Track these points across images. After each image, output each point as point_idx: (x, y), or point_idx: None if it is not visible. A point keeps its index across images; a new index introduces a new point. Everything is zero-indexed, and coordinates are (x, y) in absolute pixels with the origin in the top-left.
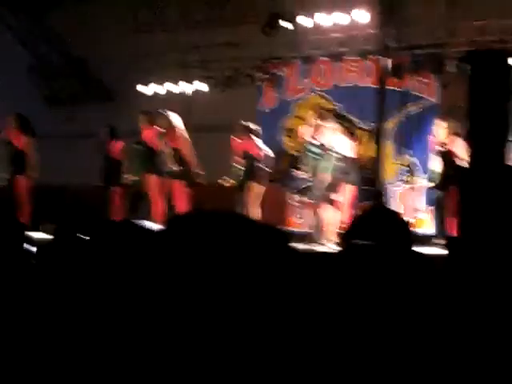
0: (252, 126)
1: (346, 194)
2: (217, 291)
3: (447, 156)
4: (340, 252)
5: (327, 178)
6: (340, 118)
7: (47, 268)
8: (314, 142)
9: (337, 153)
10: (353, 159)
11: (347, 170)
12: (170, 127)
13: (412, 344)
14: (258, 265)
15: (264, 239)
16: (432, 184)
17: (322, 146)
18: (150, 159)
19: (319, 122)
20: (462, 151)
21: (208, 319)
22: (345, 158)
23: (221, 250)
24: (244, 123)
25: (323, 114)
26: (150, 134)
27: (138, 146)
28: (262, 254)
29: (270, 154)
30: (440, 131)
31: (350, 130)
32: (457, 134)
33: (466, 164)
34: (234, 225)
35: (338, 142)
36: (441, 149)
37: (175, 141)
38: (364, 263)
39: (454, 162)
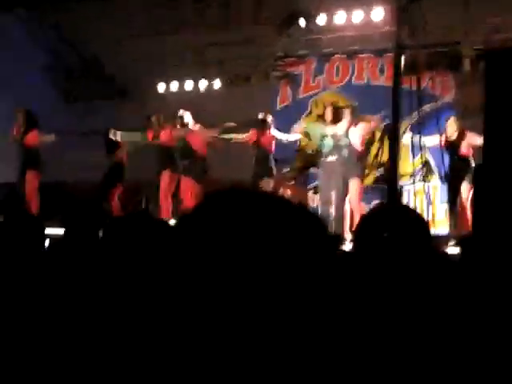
0: (267, 118)
1: (353, 189)
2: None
3: (453, 149)
4: (356, 249)
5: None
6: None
7: (59, 262)
8: (328, 132)
9: (348, 145)
10: (361, 154)
11: (354, 164)
12: (184, 125)
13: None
14: (296, 253)
15: (303, 223)
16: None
17: (334, 137)
18: (164, 157)
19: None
20: (467, 145)
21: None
22: (355, 151)
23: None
24: (260, 117)
25: (340, 108)
26: (165, 134)
27: (153, 144)
28: (303, 241)
29: (291, 138)
30: (449, 127)
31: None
32: (465, 129)
33: (471, 158)
34: (269, 206)
35: (351, 133)
36: (448, 141)
37: (188, 137)
38: (381, 258)
39: (459, 154)
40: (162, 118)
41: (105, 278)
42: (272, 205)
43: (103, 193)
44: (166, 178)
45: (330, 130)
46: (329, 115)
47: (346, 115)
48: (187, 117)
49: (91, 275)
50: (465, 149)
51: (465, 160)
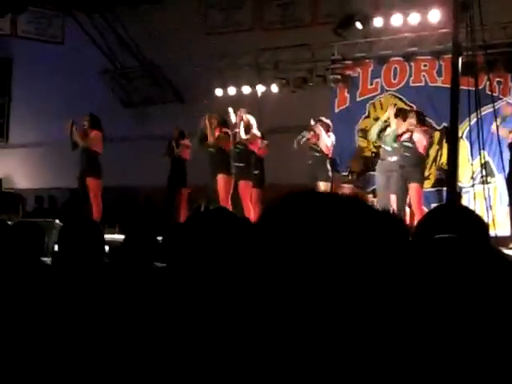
0: (325, 120)
1: (413, 192)
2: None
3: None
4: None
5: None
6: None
7: (119, 267)
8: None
9: (408, 147)
10: (422, 156)
11: (415, 167)
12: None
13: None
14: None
15: (386, 228)
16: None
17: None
18: (220, 160)
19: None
20: None
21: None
22: (416, 154)
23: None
24: (323, 119)
25: (405, 110)
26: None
27: (209, 148)
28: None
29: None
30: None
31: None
32: None
33: None
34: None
35: (415, 136)
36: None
37: (245, 139)
38: (438, 260)
39: None
40: (214, 119)
41: (171, 279)
42: (353, 207)
43: (169, 197)
44: (221, 181)
45: (394, 131)
46: (392, 115)
47: (411, 117)
48: (252, 120)
49: (152, 279)
50: None
51: None
